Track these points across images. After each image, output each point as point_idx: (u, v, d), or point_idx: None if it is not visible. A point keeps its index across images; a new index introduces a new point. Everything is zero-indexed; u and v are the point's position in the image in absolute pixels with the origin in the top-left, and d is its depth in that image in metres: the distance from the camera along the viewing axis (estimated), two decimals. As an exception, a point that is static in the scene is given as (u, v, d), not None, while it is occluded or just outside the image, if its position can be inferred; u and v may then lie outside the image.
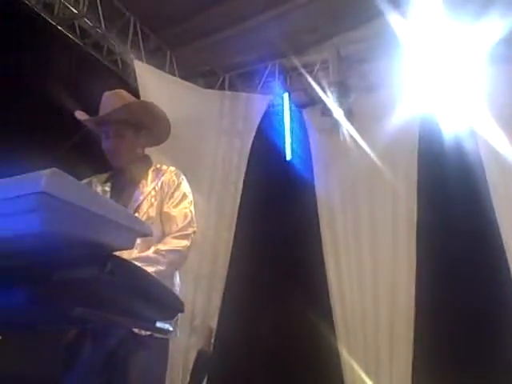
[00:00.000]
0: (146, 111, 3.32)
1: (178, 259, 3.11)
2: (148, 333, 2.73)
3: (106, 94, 3.30)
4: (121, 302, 1.73)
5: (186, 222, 3.15)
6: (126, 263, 1.74)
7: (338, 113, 6.53)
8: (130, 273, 1.73)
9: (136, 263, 2.69)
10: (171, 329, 2.10)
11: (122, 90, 3.39)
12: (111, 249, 1.69)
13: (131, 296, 1.74)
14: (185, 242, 3.10)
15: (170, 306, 1.99)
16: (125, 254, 2.84)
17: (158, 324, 1.98)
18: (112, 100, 3.26)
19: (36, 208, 1.41)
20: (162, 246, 3.03)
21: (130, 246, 1.78)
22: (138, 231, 1.79)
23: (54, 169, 1.45)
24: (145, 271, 1.95)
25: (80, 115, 3.29)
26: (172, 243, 3.06)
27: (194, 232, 3.17)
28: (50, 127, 5.24)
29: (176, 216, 3.15)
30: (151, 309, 1.88)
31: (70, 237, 1.53)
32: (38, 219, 1.42)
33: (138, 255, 2.92)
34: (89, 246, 1.62)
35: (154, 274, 2.78)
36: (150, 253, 2.98)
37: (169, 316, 2.02)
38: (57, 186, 1.43)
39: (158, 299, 1.87)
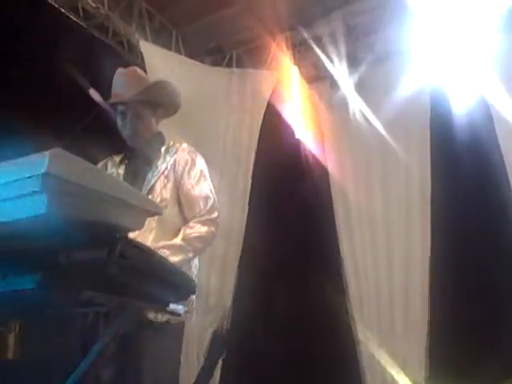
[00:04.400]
0: (165, 92, 3.27)
1: (204, 246, 3.10)
2: (164, 319, 2.70)
3: (119, 71, 3.24)
4: (131, 284, 1.70)
5: (210, 204, 3.11)
6: (135, 245, 1.71)
7: (347, 86, 6.46)
8: (139, 254, 1.69)
9: (165, 251, 2.69)
10: (184, 310, 2.06)
11: (135, 68, 3.34)
12: (121, 230, 1.65)
13: (142, 278, 1.71)
14: (211, 228, 3.07)
15: (183, 287, 1.96)
16: (147, 241, 2.85)
17: (172, 306, 1.94)
18: (127, 78, 3.21)
19: (40, 190, 1.38)
20: (189, 233, 2.99)
21: (140, 227, 1.74)
22: (147, 211, 1.75)
23: (57, 149, 1.41)
24: (154, 252, 1.91)
25: (94, 95, 3.23)
26: (199, 229, 3.02)
27: (218, 216, 3.13)
28: (60, 110, 5.21)
29: (197, 197, 3.10)
30: (163, 290, 1.85)
31: (77, 218, 1.50)
32: (42, 201, 1.39)
33: (167, 243, 2.91)
34: (97, 228, 1.59)
35: (182, 261, 2.78)
36: (178, 240, 2.94)
37: (181, 297, 1.99)
38: (61, 166, 1.39)
39: (169, 280, 1.84)
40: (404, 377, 5.65)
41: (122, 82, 3.19)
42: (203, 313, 6.15)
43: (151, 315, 2.68)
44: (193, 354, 5.93)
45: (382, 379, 5.82)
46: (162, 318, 2.71)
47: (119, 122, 3.19)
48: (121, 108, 3.17)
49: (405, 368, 5.73)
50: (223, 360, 5.75)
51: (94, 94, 3.22)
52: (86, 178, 1.46)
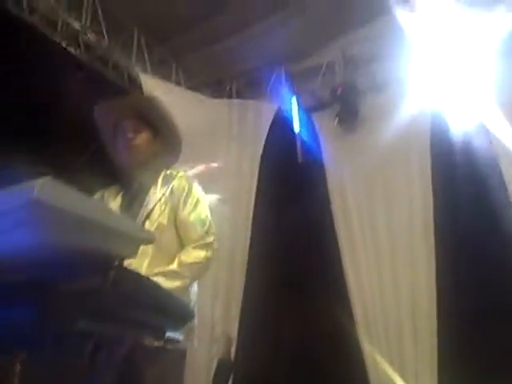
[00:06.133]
0: (163, 113, 3.30)
1: (201, 272, 3.08)
2: (160, 344, 2.68)
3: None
4: (126, 312, 1.69)
5: (205, 228, 3.10)
6: (129, 272, 1.70)
7: (346, 115, 6.49)
8: (134, 282, 1.69)
9: (161, 277, 2.69)
10: (181, 338, 2.04)
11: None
12: (113, 258, 1.65)
13: (137, 306, 1.70)
14: (207, 253, 3.05)
15: (179, 315, 1.95)
16: (142, 267, 2.85)
17: (168, 334, 1.93)
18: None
19: (30, 219, 1.37)
20: (185, 258, 2.99)
21: (133, 255, 1.73)
22: (140, 239, 1.75)
23: (47, 178, 1.41)
24: (149, 280, 1.90)
25: (98, 109, 3.27)
26: (195, 254, 3.02)
27: (214, 240, 3.12)
28: (61, 145, 5.23)
29: (194, 222, 3.10)
30: (159, 318, 1.84)
31: (69, 247, 1.50)
32: (33, 231, 1.38)
33: (162, 269, 2.90)
34: (90, 256, 1.58)
35: (178, 288, 2.77)
36: (174, 266, 2.94)
37: (178, 325, 1.97)
38: (50, 195, 1.39)
39: (165, 308, 1.83)
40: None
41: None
42: (209, 342, 6.13)
43: (147, 341, 2.66)
44: (201, 384, 5.89)
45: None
46: (158, 343, 2.69)
47: (120, 141, 3.22)
48: (122, 124, 3.21)
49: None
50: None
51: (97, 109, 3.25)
52: (75, 207, 1.46)
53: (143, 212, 3.07)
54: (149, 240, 1.80)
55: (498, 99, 5.63)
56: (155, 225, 3.02)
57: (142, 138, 3.21)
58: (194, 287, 3.13)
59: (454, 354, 5.67)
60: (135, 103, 3.30)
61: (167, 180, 3.21)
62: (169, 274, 2.85)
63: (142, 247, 1.76)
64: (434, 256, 5.91)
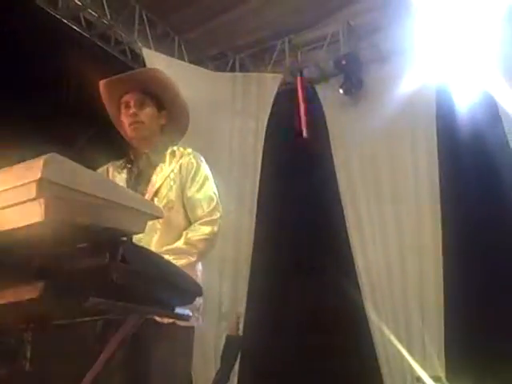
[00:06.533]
0: (167, 87, 3.25)
1: (207, 248, 3.06)
2: (170, 321, 2.67)
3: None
4: (135, 289, 1.67)
5: (212, 205, 3.09)
6: (137, 249, 1.69)
7: (351, 86, 6.45)
8: (142, 258, 1.67)
9: (168, 255, 2.68)
10: (190, 314, 2.03)
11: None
12: (121, 234, 1.63)
13: (145, 282, 1.68)
14: (213, 228, 3.04)
15: (188, 291, 1.93)
16: (151, 242, 2.85)
17: (177, 310, 1.92)
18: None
19: (36, 197, 1.36)
20: (192, 235, 2.98)
21: (141, 230, 1.72)
22: (148, 214, 1.73)
23: (52, 154, 1.39)
24: (158, 255, 1.89)
25: (103, 83, 3.23)
26: (201, 231, 3.00)
27: (221, 217, 3.11)
28: (63, 119, 5.23)
29: (201, 199, 3.09)
30: (168, 294, 1.82)
31: (76, 224, 1.48)
32: (39, 208, 1.37)
33: (169, 247, 2.90)
34: (97, 233, 1.57)
35: (185, 266, 2.76)
36: (181, 243, 2.93)
37: (187, 301, 1.96)
38: (56, 171, 1.37)
39: (174, 284, 1.81)
40: (423, 370, 5.61)
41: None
42: (217, 319, 6.15)
43: (159, 319, 2.66)
44: (210, 361, 5.92)
45: (401, 373, 5.80)
46: (169, 321, 2.68)
47: (124, 116, 3.19)
48: (125, 99, 3.18)
49: (424, 360, 5.71)
50: (240, 363, 5.75)
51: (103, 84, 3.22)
52: (82, 183, 1.44)
53: (151, 189, 3.06)
54: (157, 215, 1.78)
55: (503, 68, 5.58)
56: (164, 201, 3.01)
57: (147, 113, 3.18)
58: (199, 265, 3.12)
59: (461, 327, 5.69)
60: (139, 76, 3.26)
61: (175, 157, 3.19)
62: (175, 252, 2.84)
63: (150, 224, 1.74)
64: (440, 229, 5.91)
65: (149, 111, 3.19)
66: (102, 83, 3.24)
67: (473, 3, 5.57)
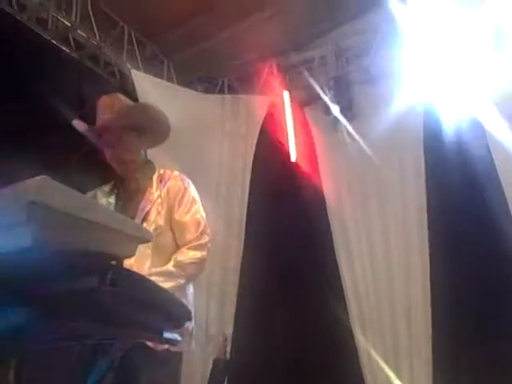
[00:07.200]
0: (147, 114, 3.21)
1: (197, 271, 3.07)
2: (165, 347, 2.66)
3: (103, 98, 3.20)
4: (124, 312, 1.66)
5: (200, 229, 3.08)
6: (127, 272, 1.67)
7: (340, 109, 6.47)
8: (131, 282, 1.66)
9: (156, 277, 2.67)
10: (179, 338, 2.01)
11: (117, 94, 3.30)
12: (111, 257, 1.62)
13: (134, 306, 1.67)
14: (202, 253, 3.04)
15: (177, 315, 1.92)
16: (143, 268, 2.83)
17: (166, 334, 1.91)
18: (109, 104, 3.16)
19: (26, 220, 1.34)
20: (181, 259, 2.97)
21: (132, 254, 1.71)
22: (138, 237, 1.72)
23: (43, 177, 1.38)
24: (147, 280, 1.88)
25: (79, 125, 3.18)
26: (190, 255, 3.00)
27: (209, 240, 3.10)
28: (52, 142, 5.21)
29: (188, 223, 3.08)
30: (156, 318, 1.81)
31: (66, 248, 1.47)
32: (28, 232, 1.35)
33: (158, 269, 2.89)
34: (87, 256, 1.56)
35: (174, 288, 2.74)
36: (170, 266, 2.92)
37: (176, 325, 1.95)
38: (47, 195, 1.36)
39: (163, 308, 1.80)
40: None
41: (105, 108, 3.14)
42: (205, 342, 6.10)
43: (150, 344, 2.64)
44: (197, 384, 5.87)
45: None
46: (161, 346, 2.66)
47: (106, 151, 3.15)
48: (106, 136, 3.12)
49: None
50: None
51: (79, 125, 3.17)
52: (73, 207, 1.43)
53: (140, 215, 3.05)
54: (146, 238, 1.77)
55: (490, 93, 5.62)
56: (152, 226, 3.00)
57: (127, 149, 3.15)
58: (191, 288, 3.12)
59: (449, 347, 5.68)
60: (117, 122, 3.12)
61: (162, 180, 3.18)
62: (164, 275, 2.84)
63: (142, 249, 1.73)
64: (427, 247, 5.92)
65: (131, 146, 3.16)
66: (81, 129, 3.19)
67: (460, 27, 5.61)
